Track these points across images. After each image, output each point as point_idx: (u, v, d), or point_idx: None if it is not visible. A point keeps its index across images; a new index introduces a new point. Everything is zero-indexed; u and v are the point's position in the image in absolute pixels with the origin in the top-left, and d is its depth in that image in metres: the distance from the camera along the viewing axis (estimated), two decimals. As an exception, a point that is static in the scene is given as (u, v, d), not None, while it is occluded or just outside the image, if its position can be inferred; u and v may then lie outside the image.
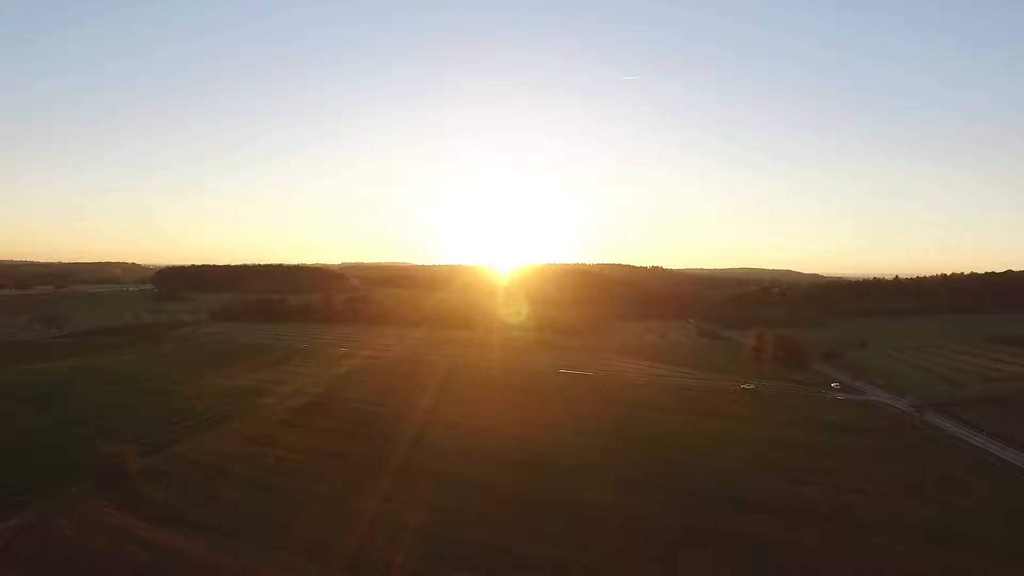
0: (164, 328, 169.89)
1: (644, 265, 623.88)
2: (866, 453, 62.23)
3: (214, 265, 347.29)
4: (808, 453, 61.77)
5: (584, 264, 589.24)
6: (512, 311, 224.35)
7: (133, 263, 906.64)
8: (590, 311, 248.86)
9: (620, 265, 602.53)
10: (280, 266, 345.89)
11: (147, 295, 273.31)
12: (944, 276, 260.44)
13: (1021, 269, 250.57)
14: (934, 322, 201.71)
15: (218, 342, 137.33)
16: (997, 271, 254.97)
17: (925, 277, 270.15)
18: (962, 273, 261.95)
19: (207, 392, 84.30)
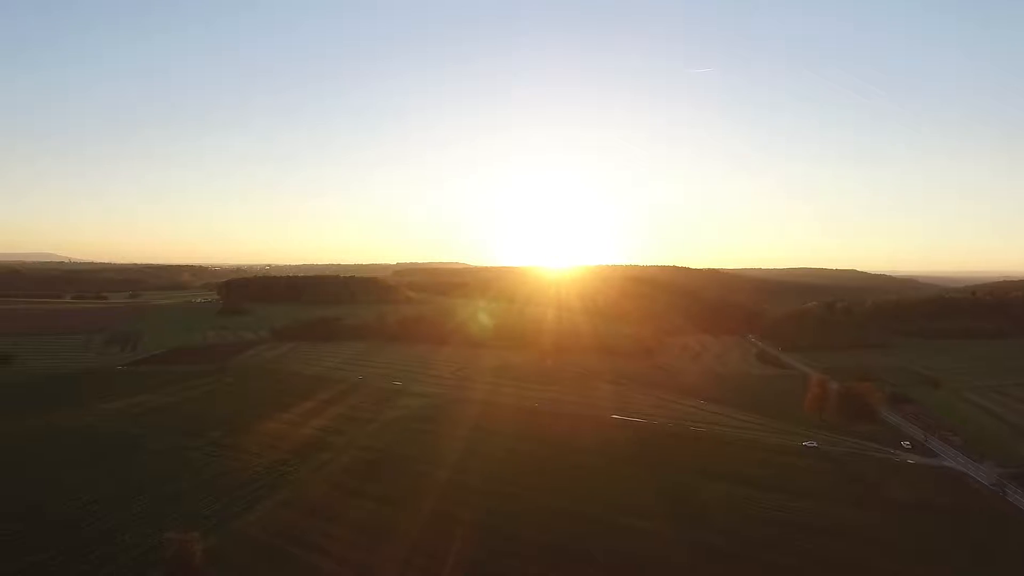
0: (228, 351, 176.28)
1: (699, 267, 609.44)
2: (945, 548, 58.34)
3: (274, 276, 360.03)
4: (871, 544, 58.39)
5: (637, 266, 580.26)
6: (565, 328, 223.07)
7: (200, 266, 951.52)
8: (644, 327, 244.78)
9: (674, 267, 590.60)
10: (336, 278, 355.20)
11: (212, 308, 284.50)
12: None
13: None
14: (1016, 348, 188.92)
15: (277, 372, 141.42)
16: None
17: (1006, 288, 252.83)
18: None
19: (266, 443, 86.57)
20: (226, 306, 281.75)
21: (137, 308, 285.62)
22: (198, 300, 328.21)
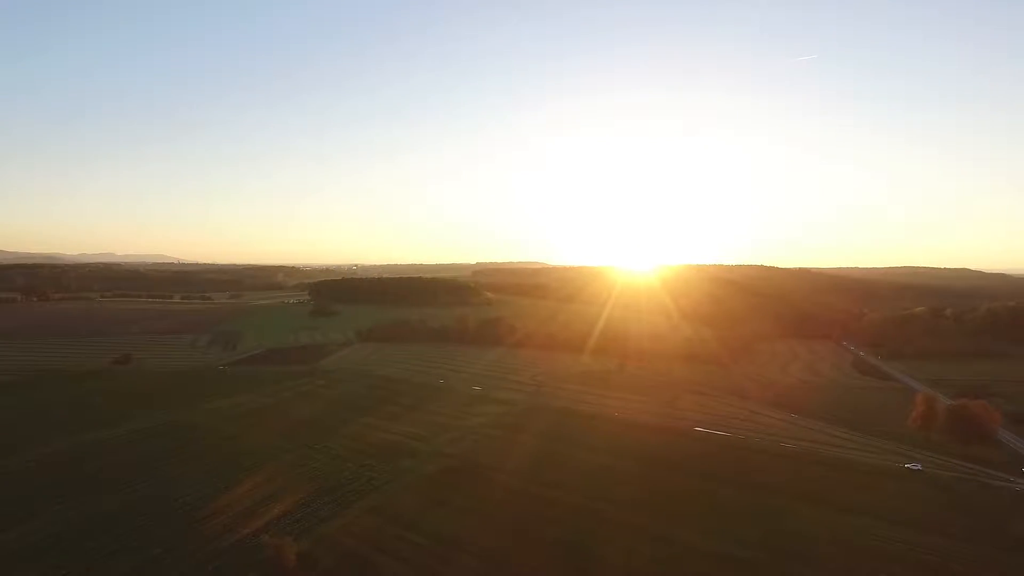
0: (318, 352, 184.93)
1: (789, 267, 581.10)
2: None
3: (359, 279, 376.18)
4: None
5: (722, 266, 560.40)
6: (646, 332, 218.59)
7: (293, 266, 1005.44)
8: (730, 332, 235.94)
9: (761, 267, 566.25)
10: (418, 279, 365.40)
11: (304, 309, 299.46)
12: None
13: None
14: None
15: (363, 374, 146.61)
16: None
17: None
18: None
19: (353, 448, 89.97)
20: (316, 307, 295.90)
21: (237, 309, 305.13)
22: (291, 301, 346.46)
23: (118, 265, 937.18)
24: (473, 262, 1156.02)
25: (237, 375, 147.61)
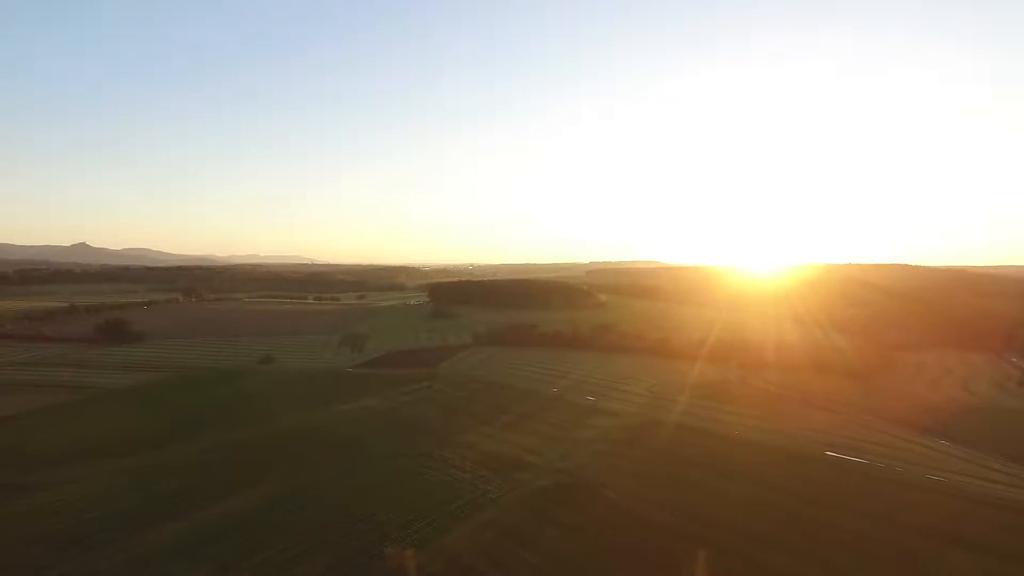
0: (436, 355, 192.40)
1: (937, 265, 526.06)
2: None
3: (474, 281, 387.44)
4: None
5: (860, 265, 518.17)
6: (771, 340, 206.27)
7: (414, 267, 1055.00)
8: (868, 340, 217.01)
9: (905, 265, 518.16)
10: (530, 281, 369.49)
11: (424, 311, 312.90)
12: None
13: None
14: None
15: (479, 380, 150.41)
16: None
17: None
18: None
19: (468, 458, 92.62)
20: (436, 309, 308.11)
21: (363, 310, 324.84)
22: (412, 302, 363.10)
23: (261, 266, 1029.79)
24: (587, 261, 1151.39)
25: (363, 378, 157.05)
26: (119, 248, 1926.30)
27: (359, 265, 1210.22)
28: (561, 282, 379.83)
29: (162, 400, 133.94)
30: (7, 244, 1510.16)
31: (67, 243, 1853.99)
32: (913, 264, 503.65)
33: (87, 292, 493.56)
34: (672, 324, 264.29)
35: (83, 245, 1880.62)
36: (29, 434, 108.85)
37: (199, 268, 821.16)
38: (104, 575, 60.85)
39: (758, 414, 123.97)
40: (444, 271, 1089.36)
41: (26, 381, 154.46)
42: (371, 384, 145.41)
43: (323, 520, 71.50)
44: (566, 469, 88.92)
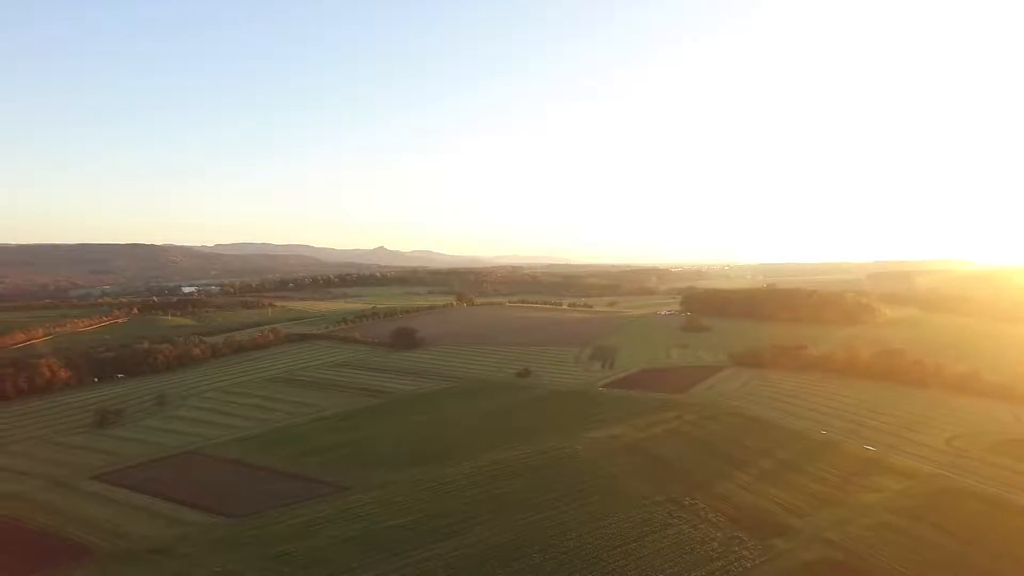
0: (688, 377, 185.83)
1: None
2: None
3: (732, 291, 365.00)
4: None
5: None
6: None
7: (665, 268, 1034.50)
8: None
9: None
10: (796, 291, 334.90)
11: (675, 322, 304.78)
12: None
13: None
14: None
15: (735, 412, 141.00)
16: None
17: None
18: None
19: (721, 511, 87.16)
20: (688, 321, 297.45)
21: (614, 320, 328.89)
22: (663, 312, 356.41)
23: (520, 268, 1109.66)
24: (868, 261, 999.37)
25: (612, 399, 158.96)
26: (408, 251, 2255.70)
27: (611, 266, 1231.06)
28: (835, 293, 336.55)
29: (441, 410, 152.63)
30: (327, 249, 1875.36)
31: (370, 247, 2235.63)
32: None
33: (384, 295, 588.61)
34: (986, 349, 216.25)
35: (382, 249, 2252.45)
36: (345, 435, 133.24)
37: (468, 271, 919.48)
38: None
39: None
40: (697, 272, 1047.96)
41: (337, 382, 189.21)
42: (620, 408, 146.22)
43: (580, 558, 73.79)
44: (837, 542, 78.62)
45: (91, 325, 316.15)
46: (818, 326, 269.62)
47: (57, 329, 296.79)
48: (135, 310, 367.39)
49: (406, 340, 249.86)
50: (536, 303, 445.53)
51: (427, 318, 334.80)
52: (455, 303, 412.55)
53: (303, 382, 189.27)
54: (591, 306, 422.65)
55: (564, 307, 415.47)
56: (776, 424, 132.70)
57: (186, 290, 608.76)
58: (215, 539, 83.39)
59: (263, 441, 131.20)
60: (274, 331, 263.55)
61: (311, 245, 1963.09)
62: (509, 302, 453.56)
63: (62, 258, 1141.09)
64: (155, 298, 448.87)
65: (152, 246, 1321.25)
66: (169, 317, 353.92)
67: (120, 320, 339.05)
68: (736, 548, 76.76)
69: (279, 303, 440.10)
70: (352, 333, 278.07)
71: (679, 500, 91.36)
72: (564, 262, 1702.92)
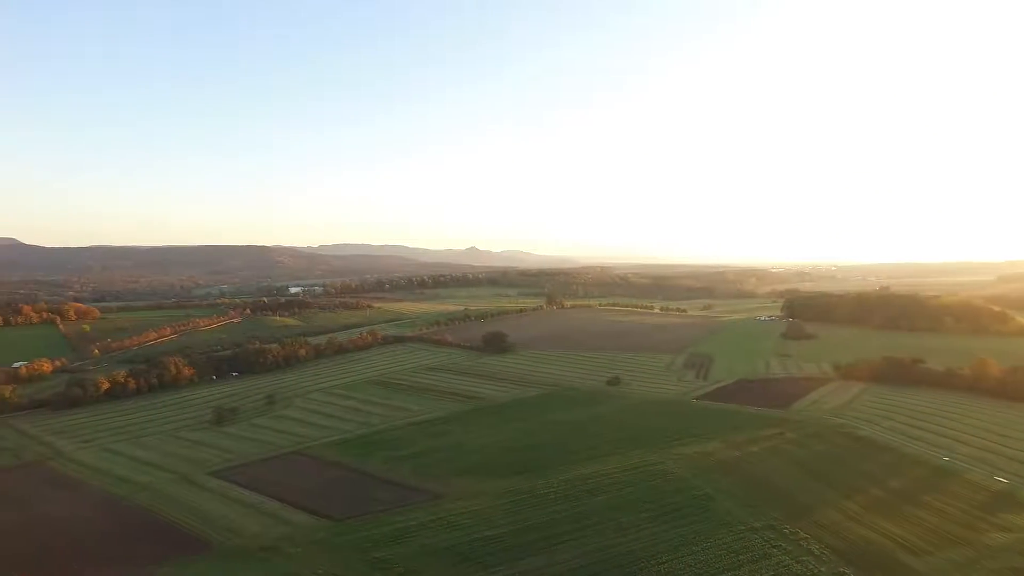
0: (789, 390, 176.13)
1: None
2: None
3: (839, 296, 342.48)
4: None
5: None
6: None
7: (765, 269, 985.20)
8: None
9: None
10: (915, 297, 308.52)
11: (775, 329, 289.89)
12: None
13: None
14: None
15: (841, 431, 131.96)
16: None
17: None
18: None
19: (826, 543, 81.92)
20: (789, 328, 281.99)
21: (708, 325, 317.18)
22: (762, 317, 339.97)
23: (611, 269, 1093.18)
24: (1001, 260, 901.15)
25: (707, 412, 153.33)
26: (499, 251, 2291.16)
27: (705, 267, 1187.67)
28: (961, 298, 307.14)
29: (530, 418, 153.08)
30: (421, 249, 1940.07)
31: (462, 247, 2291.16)
32: None
33: (476, 296, 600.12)
34: None
35: (474, 249, 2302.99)
36: (438, 441, 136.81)
37: (558, 272, 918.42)
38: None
39: None
40: (799, 273, 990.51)
41: (429, 386, 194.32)
42: (716, 422, 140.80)
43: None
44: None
45: (210, 324, 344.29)
46: (940, 336, 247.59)
47: (182, 328, 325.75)
48: (248, 310, 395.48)
49: (497, 344, 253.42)
50: (627, 306, 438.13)
51: (517, 321, 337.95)
52: (545, 306, 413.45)
53: (398, 386, 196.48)
54: (684, 310, 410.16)
55: (656, 311, 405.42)
56: (889, 447, 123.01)
57: (293, 290, 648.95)
58: (317, 540, 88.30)
59: (361, 444, 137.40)
60: (372, 333, 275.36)
61: (406, 245, 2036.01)
62: (599, 305, 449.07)
63: (186, 259, 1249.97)
64: (265, 299, 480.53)
65: (262, 247, 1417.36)
66: (277, 317, 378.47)
67: (235, 320, 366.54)
68: (847, 586, 71.82)
69: (376, 304, 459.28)
70: (445, 336, 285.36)
71: (779, 527, 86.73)
72: (655, 262, 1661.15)
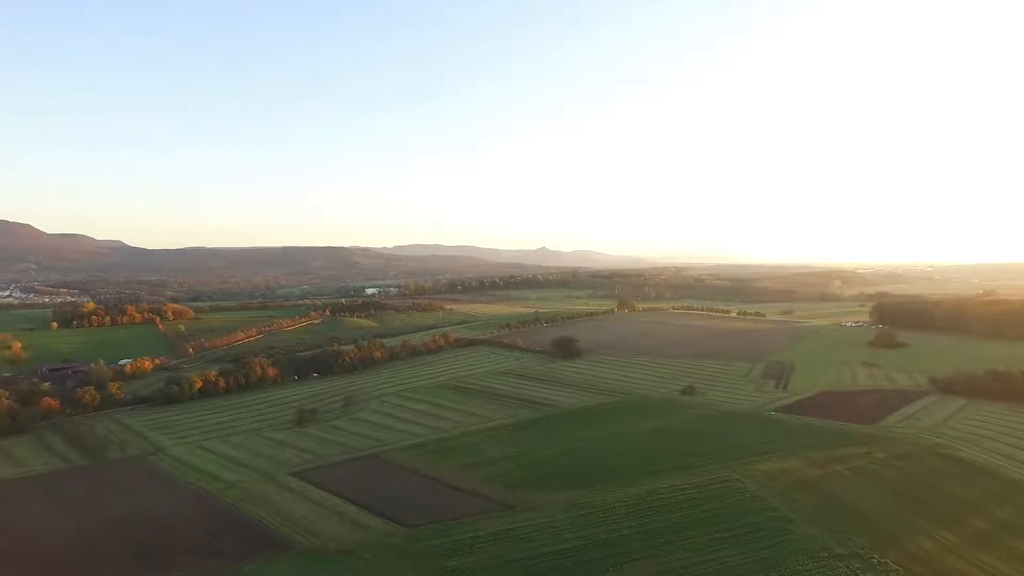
0: (879, 404, 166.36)
1: None
2: None
3: (934, 301, 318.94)
4: None
5: None
6: None
7: (851, 271, 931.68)
8: None
9: None
10: (1012, 302, 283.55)
11: (862, 335, 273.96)
12: None
13: None
14: None
15: (938, 453, 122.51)
16: None
17: None
18: None
19: (935, 575, 76.78)
20: (879, 335, 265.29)
21: (788, 331, 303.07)
22: (848, 323, 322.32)
23: (685, 270, 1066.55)
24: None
25: (786, 426, 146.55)
26: (569, 251, 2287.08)
27: (785, 268, 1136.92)
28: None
29: (600, 428, 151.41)
30: (492, 249, 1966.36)
31: (532, 247, 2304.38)
32: None
33: (546, 297, 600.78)
34: None
35: (544, 249, 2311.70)
36: (508, 449, 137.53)
37: (630, 272, 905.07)
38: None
39: None
40: (890, 275, 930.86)
41: (500, 392, 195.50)
42: (796, 438, 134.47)
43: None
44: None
45: (292, 325, 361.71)
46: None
47: (267, 329, 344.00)
48: (327, 311, 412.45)
49: (567, 349, 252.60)
50: (701, 310, 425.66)
51: (587, 325, 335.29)
52: (616, 309, 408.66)
53: (469, 390, 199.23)
54: (763, 314, 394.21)
55: (732, 315, 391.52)
56: (993, 471, 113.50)
57: (369, 291, 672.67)
58: (391, 546, 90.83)
59: (434, 449, 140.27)
60: (444, 336, 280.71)
61: (478, 246, 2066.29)
62: (673, 308, 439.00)
63: (271, 260, 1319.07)
64: (343, 300, 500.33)
65: (340, 248, 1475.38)
66: (354, 319, 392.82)
67: (316, 321, 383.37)
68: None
69: (448, 306, 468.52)
70: (515, 339, 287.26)
71: (866, 556, 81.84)
72: (732, 263, 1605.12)
